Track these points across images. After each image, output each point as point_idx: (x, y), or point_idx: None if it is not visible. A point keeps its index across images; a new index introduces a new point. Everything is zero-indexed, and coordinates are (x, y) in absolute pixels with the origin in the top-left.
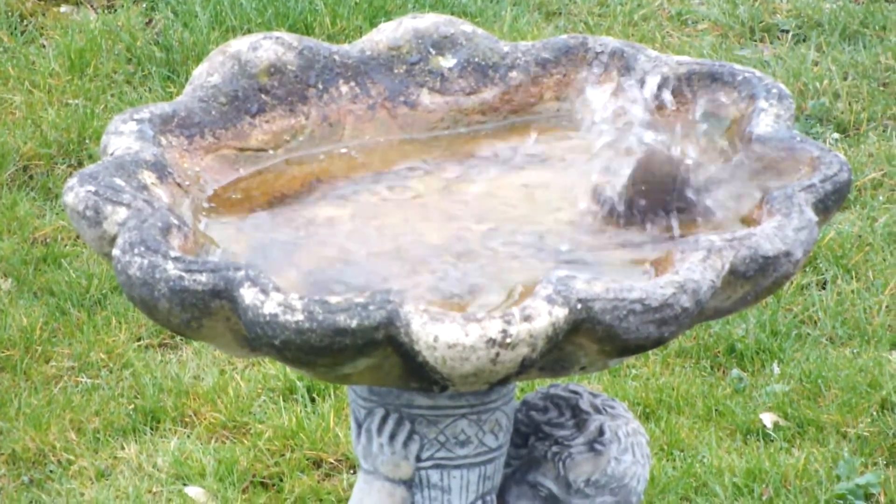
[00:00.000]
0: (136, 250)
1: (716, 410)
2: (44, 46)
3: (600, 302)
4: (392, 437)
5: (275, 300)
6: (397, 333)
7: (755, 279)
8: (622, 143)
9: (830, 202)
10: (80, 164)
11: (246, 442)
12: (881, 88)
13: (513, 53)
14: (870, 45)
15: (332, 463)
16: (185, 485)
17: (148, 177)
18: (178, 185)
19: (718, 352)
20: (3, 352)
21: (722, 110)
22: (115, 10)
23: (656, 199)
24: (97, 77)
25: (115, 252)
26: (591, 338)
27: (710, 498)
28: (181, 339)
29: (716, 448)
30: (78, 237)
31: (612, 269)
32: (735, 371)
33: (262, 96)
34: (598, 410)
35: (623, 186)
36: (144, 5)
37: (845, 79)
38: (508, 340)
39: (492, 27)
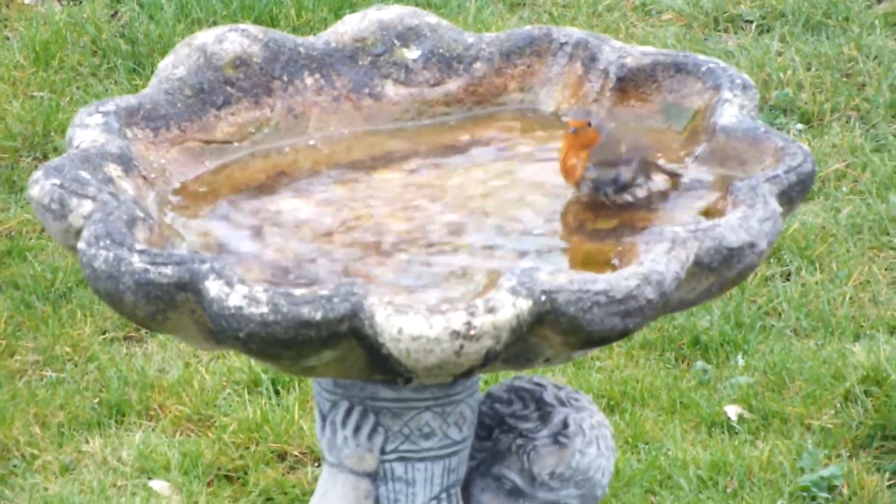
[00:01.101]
0: (101, 243)
1: (680, 403)
2: (8, 38)
3: (564, 293)
4: (356, 429)
5: (240, 293)
6: (361, 325)
7: (720, 270)
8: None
9: (794, 193)
10: (46, 157)
11: (211, 435)
12: (844, 79)
13: (477, 45)
14: (833, 35)
15: (296, 456)
16: (149, 478)
17: (113, 169)
18: (144, 177)
19: (683, 344)
20: None
21: (686, 100)
22: (81, 2)
23: (611, 160)
24: (62, 69)
25: (81, 245)
26: (555, 330)
27: (675, 491)
28: (146, 332)
29: (680, 440)
30: (43, 230)
31: (577, 260)
32: (699, 363)
33: (228, 88)
34: (562, 403)
35: (588, 166)
36: None
37: (809, 69)
38: (472, 332)
39: (456, 18)
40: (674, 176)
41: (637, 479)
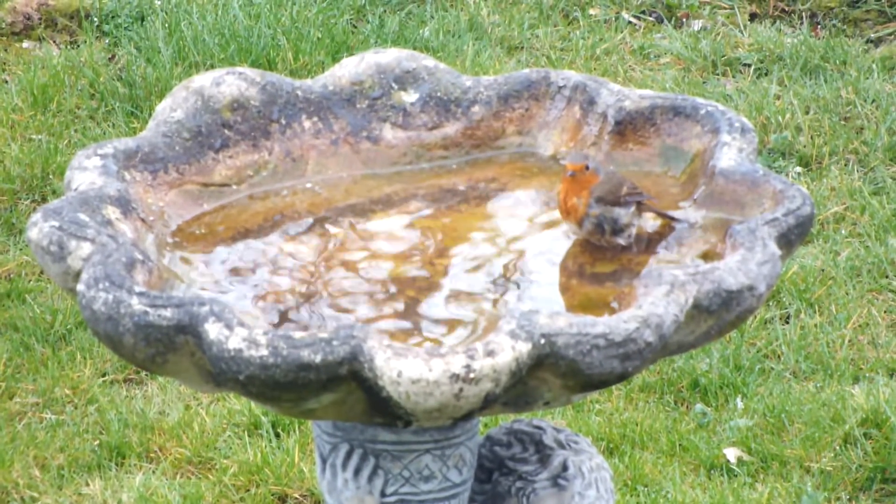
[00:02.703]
0: (100, 285)
1: (679, 445)
2: (6, 82)
3: (563, 337)
4: (356, 472)
5: (239, 335)
6: (361, 369)
7: (719, 313)
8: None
9: (793, 236)
10: (44, 200)
11: (211, 477)
12: (842, 122)
13: (475, 88)
14: (831, 79)
15: (297, 498)
16: None
17: (112, 212)
18: (142, 220)
19: (682, 386)
20: None
21: (685, 144)
22: (78, 46)
23: (612, 200)
24: (60, 112)
25: (80, 287)
26: (554, 373)
27: None
28: (146, 375)
29: (680, 483)
30: (42, 272)
31: (576, 304)
32: (699, 406)
33: (226, 131)
34: (561, 445)
35: (586, 207)
36: (107, 41)
37: (807, 113)
38: (472, 375)
39: (454, 62)
40: (669, 219)
41: None
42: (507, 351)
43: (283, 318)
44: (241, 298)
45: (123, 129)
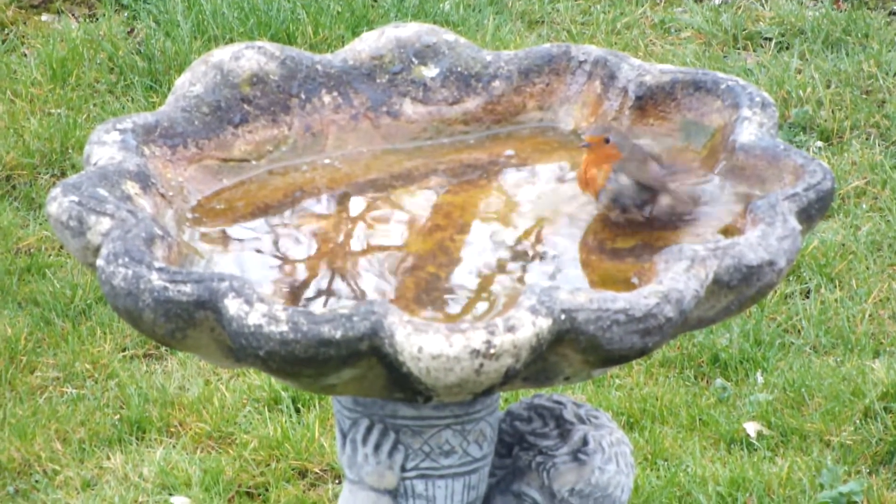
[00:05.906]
0: (120, 261)
1: (700, 420)
2: (25, 55)
3: (584, 312)
4: (377, 447)
5: (259, 311)
6: (381, 344)
7: (739, 288)
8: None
9: (814, 211)
10: (63, 174)
11: (231, 452)
12: (864, 96)
13: (496, 63)
14: (852, 52)
15: (317, 473)
16: (170, 494)
17: (131, 187)
18: (162, 195)
19: (702, 361)
20: None
21: (706, 119)
22: (97, 19)
23: (636, 172)
24: (79, 86)
25: (100, 262)
26: (574, 348)
27: None
28: (166, 350)
29: (700, 457)
30: (62, 247)
31: (596, 279)
32: (719, 380)
33: (245, 106)
34: (581, 420)
35: (609, 182)
36: (126, 14)
37: (828, 87)
38: (492, 351)
39: (474, 36)
40: (691, 198)
41: (656, 495)
42: (528, 326)
43: (303, 293)
44: (260, 274)
45: (142, 104)
